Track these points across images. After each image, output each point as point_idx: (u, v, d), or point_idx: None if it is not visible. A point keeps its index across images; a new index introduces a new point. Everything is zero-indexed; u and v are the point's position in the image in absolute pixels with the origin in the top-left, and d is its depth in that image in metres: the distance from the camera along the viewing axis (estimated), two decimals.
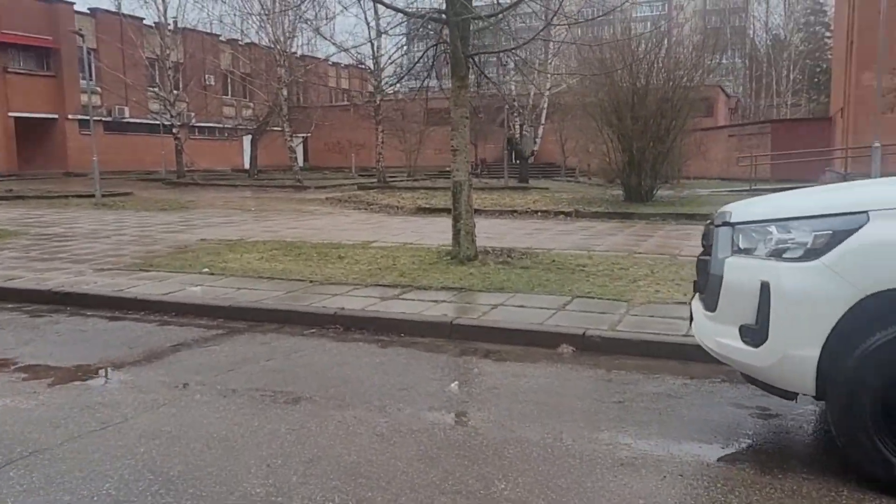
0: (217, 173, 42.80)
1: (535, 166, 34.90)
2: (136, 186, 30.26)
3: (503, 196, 21.23)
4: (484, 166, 42.43)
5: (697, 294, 4.37)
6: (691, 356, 5.54)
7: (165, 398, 4.86)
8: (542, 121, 31.11)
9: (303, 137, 48.53)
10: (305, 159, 52.08)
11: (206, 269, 9.32)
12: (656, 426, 4.28)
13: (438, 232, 13.62)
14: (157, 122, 38.37)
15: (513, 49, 10.14)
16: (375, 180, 31.02)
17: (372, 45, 30.31)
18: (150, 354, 6.00)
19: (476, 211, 17.48)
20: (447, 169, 45.91)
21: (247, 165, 43.84)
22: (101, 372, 5.58)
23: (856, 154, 21.67)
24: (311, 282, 8.39)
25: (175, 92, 37.30)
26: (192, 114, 42.52)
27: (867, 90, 23.03)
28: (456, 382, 5.16)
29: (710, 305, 3.92)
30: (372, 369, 5.49)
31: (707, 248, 4.12)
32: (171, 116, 36.03)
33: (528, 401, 4.74)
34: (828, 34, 58.73)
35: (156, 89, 36.72)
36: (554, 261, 9.51)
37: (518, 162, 31.22)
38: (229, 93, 49.17)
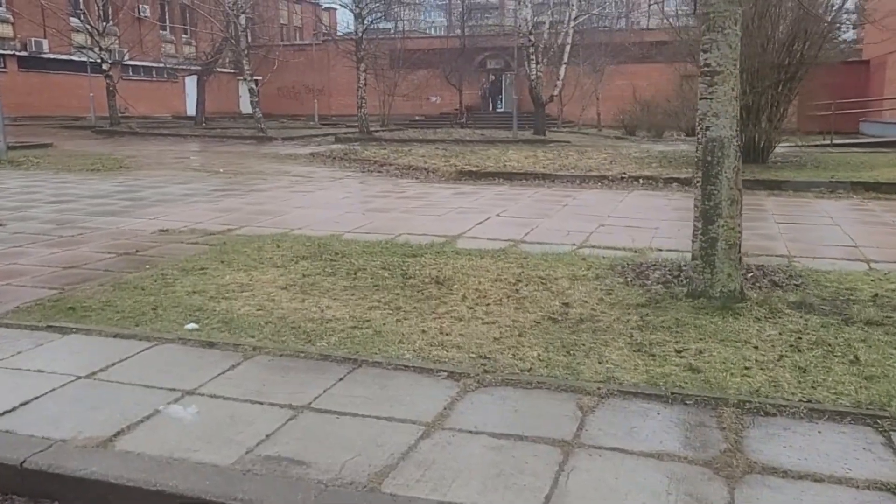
0: (156, 120, 36.46)
1: (526, 116, 29.45)
2: (59, 136, 24.27)
3: (542, 153, 16.36)
4: (469, 114, 37.33)
5: None
6: None
7: None
8: (565, 59, 25.91)
9: (255, 81, 42.31)
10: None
11: (193, 324, 4.42)
12: None
13: (540, 215, 8.78)
14: (84, 60, 31.82)
15: None
16: (357, 131, 25.65)
17: None
18: None
19: (542, 175, 12.66)
20: (416, 118, 40.94)
21: (189, 111, 37.69)
22: None
23: None
24: (455, 378, 3.58)
25: (104, 23, 30.81)
26: (125, 50, 35.93)
27: None
28: None
29: None
30: None
31: None
32: (101, 50, 29.57)
33: None
34: None
35: (80, 19, 30.15)
36: (877, 296, 4.89)
37: (534, 111, 25.93)
38: (167, 27, 42.36)
